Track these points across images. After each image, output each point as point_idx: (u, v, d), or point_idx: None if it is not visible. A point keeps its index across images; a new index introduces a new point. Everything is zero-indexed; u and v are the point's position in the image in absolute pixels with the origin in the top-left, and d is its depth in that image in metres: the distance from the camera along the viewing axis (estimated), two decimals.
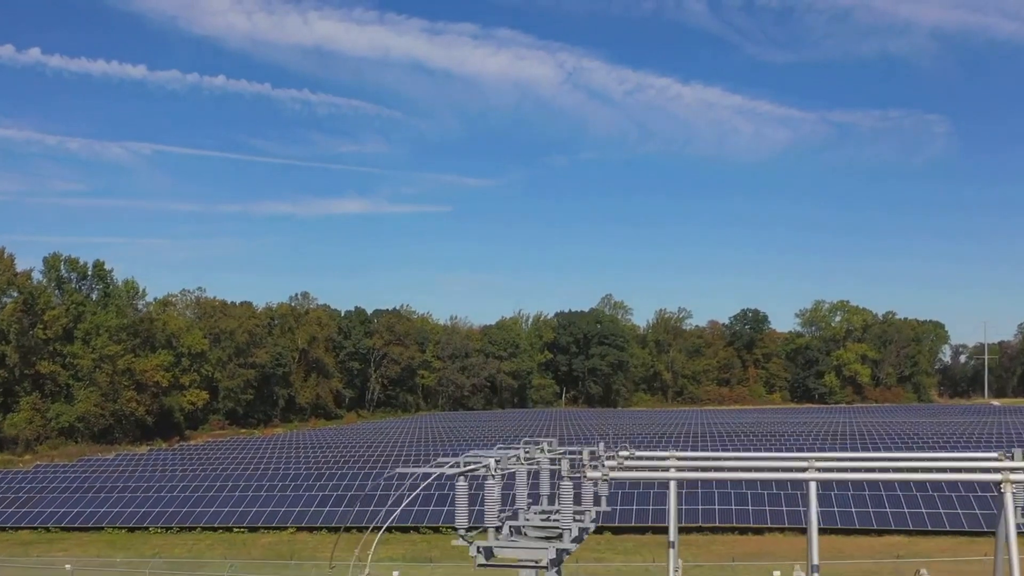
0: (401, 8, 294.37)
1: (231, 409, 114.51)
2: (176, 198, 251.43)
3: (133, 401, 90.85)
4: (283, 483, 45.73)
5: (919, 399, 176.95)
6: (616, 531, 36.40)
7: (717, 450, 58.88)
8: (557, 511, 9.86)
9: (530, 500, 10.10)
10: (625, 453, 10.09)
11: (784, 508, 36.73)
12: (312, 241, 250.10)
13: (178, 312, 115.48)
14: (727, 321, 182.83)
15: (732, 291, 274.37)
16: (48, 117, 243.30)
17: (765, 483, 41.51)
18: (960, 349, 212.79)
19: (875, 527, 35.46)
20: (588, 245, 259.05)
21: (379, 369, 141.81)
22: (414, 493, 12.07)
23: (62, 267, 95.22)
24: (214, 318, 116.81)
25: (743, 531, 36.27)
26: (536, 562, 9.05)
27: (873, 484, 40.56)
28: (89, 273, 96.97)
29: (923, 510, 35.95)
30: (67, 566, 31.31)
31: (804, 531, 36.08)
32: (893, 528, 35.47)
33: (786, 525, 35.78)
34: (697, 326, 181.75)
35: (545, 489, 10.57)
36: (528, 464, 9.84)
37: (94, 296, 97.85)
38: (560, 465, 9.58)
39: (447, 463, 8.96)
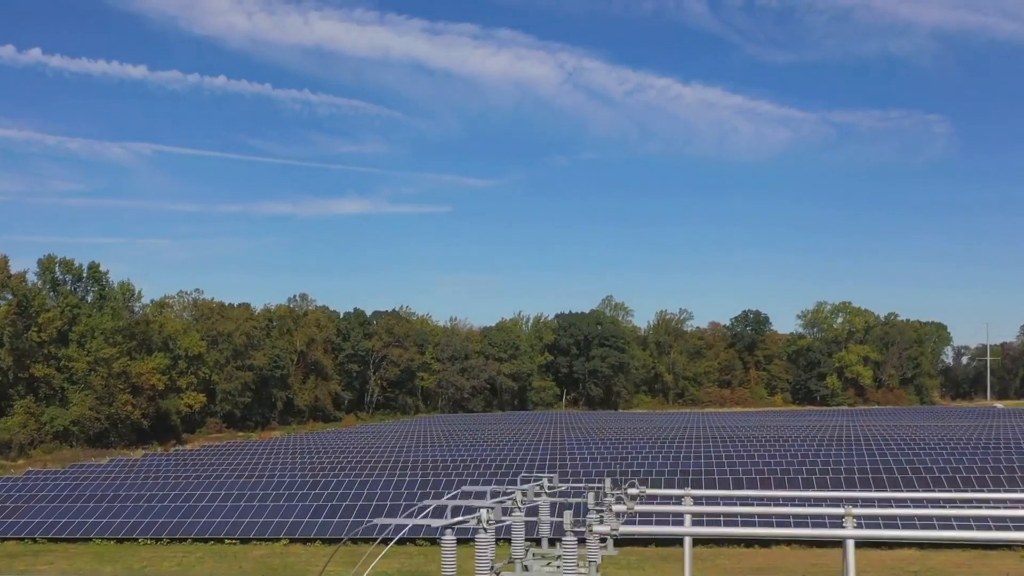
0: (401, 8, 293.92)
1: (229, 412, 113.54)
2: (176, 198, 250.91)
3: (129, 404, 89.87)
4: (277, 491, 44.68)
5: (921, 401, 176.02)
6: (618, 542, 35.29)
7: (720, 454, 57.81)
8: (559, 558, 8.84)
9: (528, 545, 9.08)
10: (635, 491, 9.08)
11: (791, 519, 35.61)
12: (312, 241, 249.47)
13: (175, 314, 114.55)
14: (728, 322, 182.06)
15: (733, 292, 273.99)
16: (48, 117, 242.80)
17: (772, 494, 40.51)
18: (962, 350, 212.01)
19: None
20: (588, 245, 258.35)
21: (378, 371, 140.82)
22: (390, 544, 11.00)
23: (57, 269, 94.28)
24: (211, 320, 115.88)
25: (749, 543, 35.20)
26: None
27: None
28: (84, 275, 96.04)
29: (935, 523, 34.85)
30: None
31: (812, 544, 34.85)
32: (901, 541, 34.39)
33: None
34: (698, 327, 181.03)
35: (545, 530, 9.55)
36: (526, 508, 8.78)
37: (89, 298, 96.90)
38: (563, 517, 8.53)
39: (430, 506, 7.93)
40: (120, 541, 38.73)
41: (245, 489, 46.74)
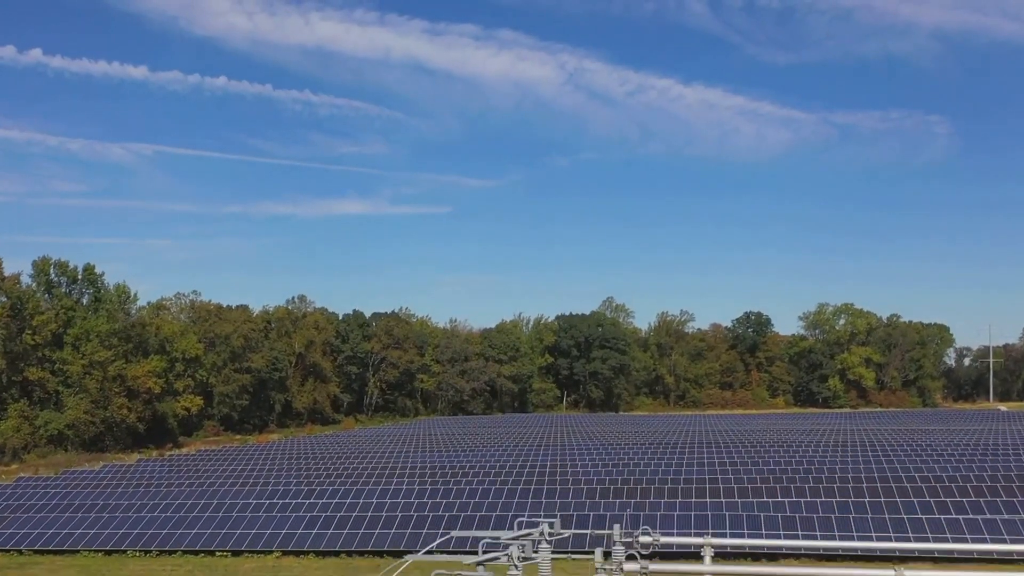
0: (402, 9, 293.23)
1: (226, 415, 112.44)
2: (177, 199, 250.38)
3: (124, 408, 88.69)
4: (270, 500, 43.61)
5: (924, 403, 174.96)
6: None
7: (724, 462, 56.68)
8: None
9: None
10: (647, 539, 8.00)
11: (799, 532, 34.59)
12: (312, 242, 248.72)
13: (172, 316, 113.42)
14: (730, 324, 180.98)
15: (734, 294, 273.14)
16: (49, 118, 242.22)
17: (778, 505, 39.44)
18: (964, 352, 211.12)
19: (897, 555, 33.29)
20: (589, 246, 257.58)
21: (377, 373, 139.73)
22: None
23: (51, 271, 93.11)
24: (209, 322, 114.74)
25: (756, 557, 34.07)
26: None
27: (894, 507, 38.46)
28: (79, 277, 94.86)
29: (949, 536, 33.81)
30: None
31: (820, 556, 33.61)
32: (916, 555, 33.28)
33: (801, 552, 33.62)
34: (699, 329, 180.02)
35: None
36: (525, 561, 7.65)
37: (84, 301, 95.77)
38: None
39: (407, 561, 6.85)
40: (108, 553, 37.63)
41: (238, 498, 45.68)
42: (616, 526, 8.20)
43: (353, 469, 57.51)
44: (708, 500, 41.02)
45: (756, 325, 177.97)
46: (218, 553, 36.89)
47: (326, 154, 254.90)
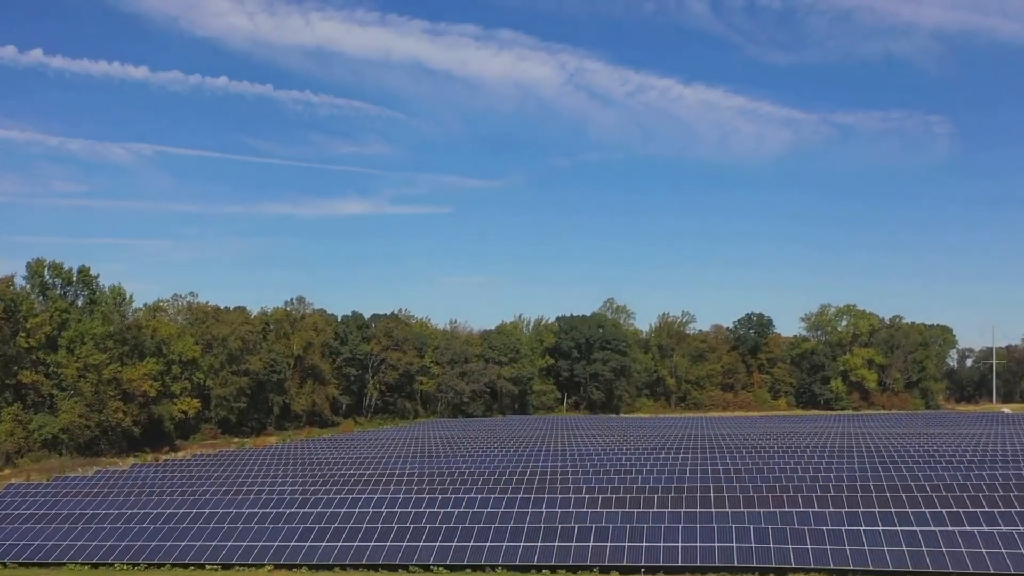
0: (403, 9, 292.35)
1: (224, 417, 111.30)
2: (177, 199, 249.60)
3: (119, 411, 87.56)
4: (264, 510, 42.46)
5: (926, 405, 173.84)
6: (624, 571, 33.15)
7: (728, 469, 55.52)
8: None
9: None
10: None
11: (809, 546, 33.46)
12: (312, 243, 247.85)
13: (169, 318, 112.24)
14: (731, 325, 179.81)
15: (736, 294, 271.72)
16: (50, 118, 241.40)
17: (786, 516, 38.29)
18: (967, 353, 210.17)
19: (910, 568, 32.18)
20: (590, 247, 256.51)
21: (377, 375, 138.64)
22: None
23: (46, 273, 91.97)
24: (206, 324, 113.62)
25: (764, 572, 32.97)
26: None
27: (905, 518, 37.32)
28: (74, 279, 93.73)
29: (964, 549, 32.68)
30: None
31: (832, 571, 32.52)
32: (931, 571, 32.20)
33: (811, 566, 32.53)
34: (701, 330, 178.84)
35: None
36: None
37: (79, 303, 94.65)
38: None
39: None
40: (95, 566, 36.53)
41: (231, 507, 44.60)
42: None
43: (350, 476, 56.41)
44: (713, 511, 39.89)
45: (758, 326, 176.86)
46: (208, 567, 35.78)
47: (326, 154, 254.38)
